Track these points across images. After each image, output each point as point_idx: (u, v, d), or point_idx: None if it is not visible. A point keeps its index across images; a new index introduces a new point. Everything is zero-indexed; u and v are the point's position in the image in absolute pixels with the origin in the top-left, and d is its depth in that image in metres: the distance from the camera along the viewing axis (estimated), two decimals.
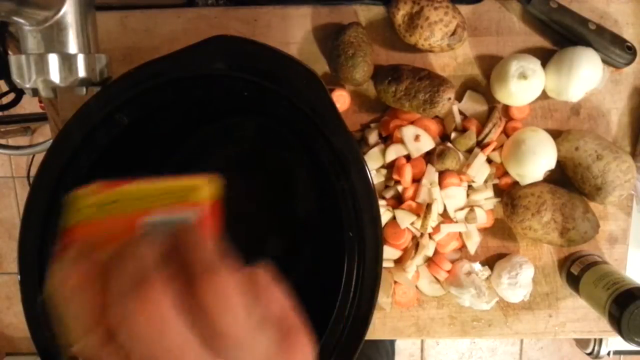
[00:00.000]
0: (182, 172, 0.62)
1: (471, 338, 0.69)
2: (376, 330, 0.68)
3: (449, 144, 0.63)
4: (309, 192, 0.60)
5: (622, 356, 0.90)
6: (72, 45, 0.49)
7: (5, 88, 0.89)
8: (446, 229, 0.63)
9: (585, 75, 0.59)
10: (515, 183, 0.64)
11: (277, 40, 0.64)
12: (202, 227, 0.25)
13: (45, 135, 1.67)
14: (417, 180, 0.63)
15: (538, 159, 0.59)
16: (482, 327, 0.68)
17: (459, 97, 0.65)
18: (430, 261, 0.66)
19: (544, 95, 0.62)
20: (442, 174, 0.63)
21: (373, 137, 0.64)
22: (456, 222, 0.64)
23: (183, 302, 0.21)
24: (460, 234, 0.66)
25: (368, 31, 0.62)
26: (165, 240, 0.23)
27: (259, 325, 0.23)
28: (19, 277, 0.47)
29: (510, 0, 0.63)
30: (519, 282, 0.63)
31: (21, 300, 0.47)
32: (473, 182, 0.64)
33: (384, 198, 0.64)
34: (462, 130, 0.64)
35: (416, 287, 0.67)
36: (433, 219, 0.62)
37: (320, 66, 0.64)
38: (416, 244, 0.64)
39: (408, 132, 0.62)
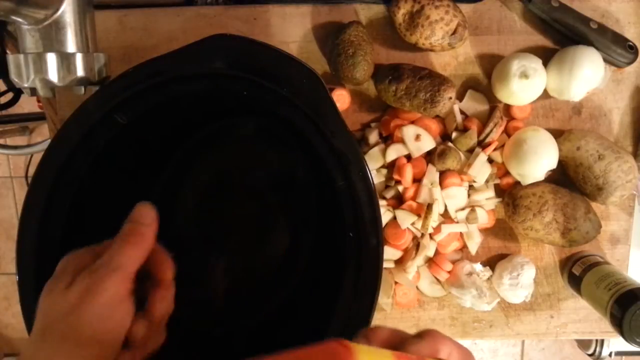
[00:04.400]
0: (181, 172, 0.62)
1: (472, 339, 0.69)
2: None
3: (450, 144, 0.63)
4: (309, 192, 0.59)
5: (623, 357, 0.89)
6: (71, 44, 0.49)
7: (3, 87, 0.88)
8: (447, 229, 0.63)
9: (586, 75, 0.59)
10: (517, 183, 0.64)
11: (276, 39, 0.64)
12: None
13: (43, 134, 1.67)
14: (417, 180, 0.63)
15: (539, 159, 0.59)
16: (483, 328, 0.68)
17: (460, 97, 0.64)
18: (431, 262, 0.66)
19: (545, 95, 0.62)
20: (443, 174, 0.62)
21: (373, 137, 0.64)
22: (457, 222, 0.64)
23: None
24: (461, 234, 0.65)
25: (368, 30, 0.62)
26: None
27: None
28: (17, 277, 0.47)
29: None
30: (520, 282, 0.63)
31: (19, 301, 0.46)
32: (474, 182, 0.64)
33: (384, 198, 0.64)
34: (463, 129, 0.63)
35: (417, 287, 0.66)
36: (434, 219, 0.62)
37: (320, 65, 0.64)
38: (417, 244, 0.64)
39: (409, 131, 0.61)
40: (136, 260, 0.38)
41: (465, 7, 0.62)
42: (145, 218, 0.40)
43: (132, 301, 0.38)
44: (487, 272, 0.65)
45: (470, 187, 0.64)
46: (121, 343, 0.38)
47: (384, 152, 0.63)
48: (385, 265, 0.64)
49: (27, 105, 1.43)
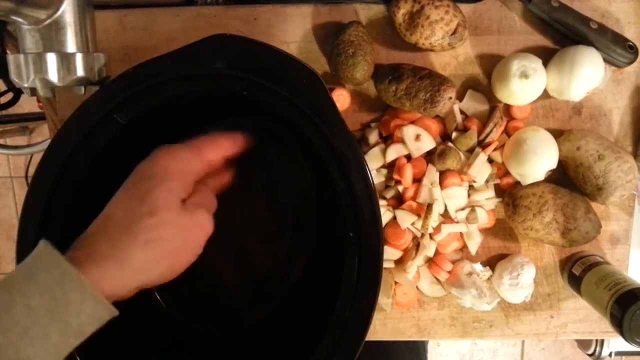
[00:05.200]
0: None
1: (472, 339, 0.69)
2: (377, 332, 0.68)
3: (450, 144, 0.63)
4: (309, 192, 0.59)
5: (623, 357, 0.89)
6: (71, 44, 0.49)
7: (3, 87, 0.88)
8: (447, 229, 0.63)
9: (586, 75, 0.59)
10: (517, 183, 0.63)
11: (276, 39, 0.64)
12: None
13: (43, 134, 1.67)
14: (417, 180, 0.63)
15: (539, 159, 0.59)
16: (483, 328, 0.68)
17: (460, 97, 0.64)
18: (431, 262, 0.65)
19: (545, 95, 0.62)
20: (443, 174, 0.62)
21: (373, 137, 0.64)
22: (457, 222, 0.64)
23: None
24: (461, 234, 0.65)
25: (368, 30, 0.62)
26: None
27: None
28: None
29: None
30: (520, 282, 0.63)
31: None
32: (474, 182, 0.64)
33: (384, 198, 0.64)
34: (463, 129, 0.63)
35: (417, 287, 0.66)
36: (434, 219, 0.62)
37: (320, 65, 0.64)
38: (417, 244, 0.64)
39: (409, 131, 0.61)
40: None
41: (465, 7, 0.62)
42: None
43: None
44: (487, 272, 0.65)
45: (470, 187, 0.64)
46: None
47: (384, 152, 0.63)
48: (385, 265, 0.64)
49: (27, 105, 1.43)
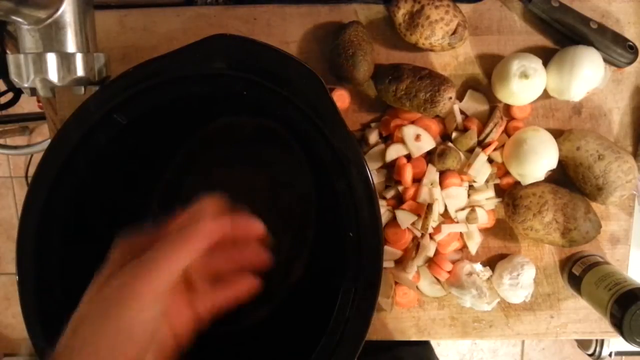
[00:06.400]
0: (181, 172, 0.62)
1: (472, 339, 0.69)
2: (377, 331, 0.68)
3: (450, 144, 0.63)
4: (309, 192, 0.59)
5: (623, 357, 0.89)
6: (71, 44, 0.49)
7: (3, 87, 0.88)
8: (447, 229, 0.63)
9: (586, 75, 0.59)
10: (517, 183, 0.63)
11: (276, 40, 0.64)
12: None
13: (43, 134, 1.67)
14: (417, 180, 0.63)
15: (539, 159, 0.59)
16: (483, 328, 0.68)
17: (460, 97, 0.64)
18: (431, 262, 0.65)
19: (545, 95, 0.62)
20: (443, 174, 0.62)
21: (373, 137, 0.64)
22: (457, 222, 0.64)
23: None
24: (461, 234, 0.65)
25: (368, 30, 0.62)
26: None
27: None
28: (17, 277, 0.47)
29: None
30: (520, 282, 0.63)
31: (19, 301, 0.46)
32: (474, 182, 0.64)
33: (384, 198, 0.64)
34: (463, 129, 0.63)
35: (417, 287, 0.66)
36: (434, 219, 0.62)
37: (320, 65, 0.64)
38: (417, 244, 0.64)
39: (409, 131, 0.61)
40: (185, 260, 0.36)
41: (465, 7, 0.62)
42: (207, 213, 0.38)
43: (180, 291, 0.41)
44: (487, 272, 0.65)
45: (470, 187, 0.64)
46: (163, 338, 0.39)
47: (384, 152, 0.63)
48: (385, 265, 0.64)
49: (27, 105, 1.43)
